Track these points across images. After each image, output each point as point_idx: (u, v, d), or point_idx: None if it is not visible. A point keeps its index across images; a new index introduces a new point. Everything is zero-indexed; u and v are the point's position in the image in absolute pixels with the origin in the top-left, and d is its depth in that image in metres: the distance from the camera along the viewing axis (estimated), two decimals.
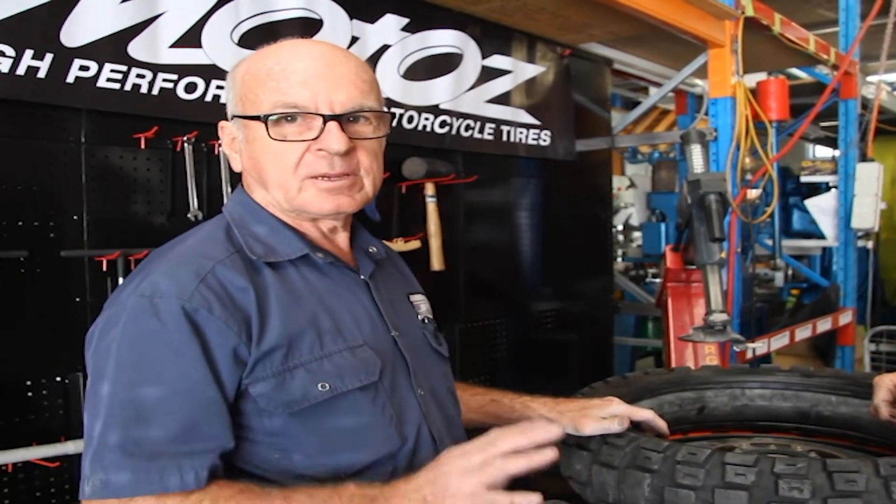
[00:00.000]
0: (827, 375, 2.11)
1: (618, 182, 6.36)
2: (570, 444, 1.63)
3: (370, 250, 1.44)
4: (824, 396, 2.05)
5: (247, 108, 1.31)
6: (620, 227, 6.97)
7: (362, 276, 1.39)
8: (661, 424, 1.64)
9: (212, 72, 2.43)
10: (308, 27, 2.65)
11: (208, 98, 2.43)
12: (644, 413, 1.63)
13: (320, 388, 1.22)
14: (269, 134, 1.27)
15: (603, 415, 1.57)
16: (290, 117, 1.28)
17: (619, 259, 6.58)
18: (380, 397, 1.29)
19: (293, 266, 1.30)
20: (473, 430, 1.55)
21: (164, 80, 2.33)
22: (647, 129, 6.88)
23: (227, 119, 1.39)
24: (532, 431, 1.17)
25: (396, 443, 1.30)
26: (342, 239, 1.41)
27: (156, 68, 2.30)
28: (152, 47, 2.29)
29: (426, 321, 1.53)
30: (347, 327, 1.30)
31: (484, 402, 1.69)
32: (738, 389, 2.13)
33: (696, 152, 2.77)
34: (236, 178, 2.43)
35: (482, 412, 1.68)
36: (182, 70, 2.36)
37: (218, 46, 2.44)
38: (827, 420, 2.03)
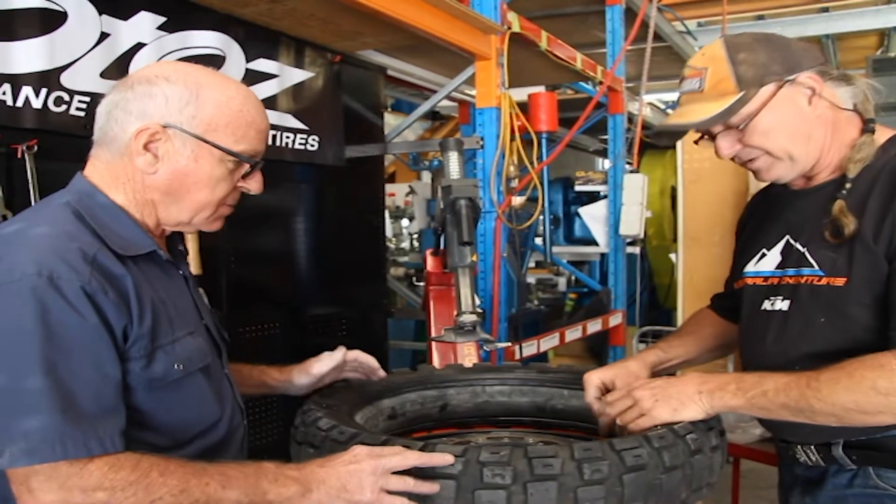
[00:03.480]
0: (560, 371, 2.23)
1: (401, 189, 6.45)
2: (299, 441, 1.66)
3: (179, 248, 1.63)
4: (558, 391, 2.14)
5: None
6: (416, 234, 7.09)
7: (181, 272, 1.58)
8: (369, 360, 2.04)
9: None
10: (49, 20, 2.49)
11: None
12: (354, 353, 2.02)
13: (176, 368, 1.42)
14: (231, 167, 1.47)
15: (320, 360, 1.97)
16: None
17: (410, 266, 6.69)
18: (209, 376, 1.52)
19: (143, 260, 1.43)
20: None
21: None
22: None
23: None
24: (429, 458, 1.41)
25: (217, 414, 1.53)
26: (164, 238, 1.57)
27: None
28: None
29: (213, 311, 1.72)
30: (184, 316, 1.50)
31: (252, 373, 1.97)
32: (479, 387, 2.20)
33: (452, 159, 2.84)
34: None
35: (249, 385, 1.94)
36: None
37: None
38: (561, 413, 2.13)
